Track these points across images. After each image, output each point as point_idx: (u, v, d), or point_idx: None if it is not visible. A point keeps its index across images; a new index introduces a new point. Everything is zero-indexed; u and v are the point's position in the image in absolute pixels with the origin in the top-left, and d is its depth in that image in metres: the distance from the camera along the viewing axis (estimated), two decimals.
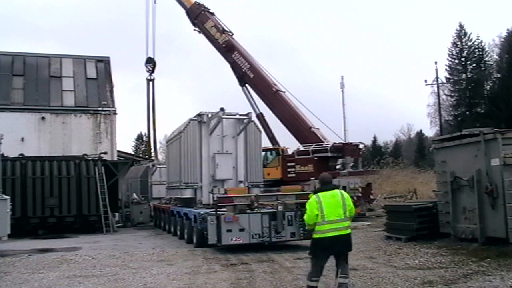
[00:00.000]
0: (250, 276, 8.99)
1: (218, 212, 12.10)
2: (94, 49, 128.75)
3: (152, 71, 31.08)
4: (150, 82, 31.18)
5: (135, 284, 8.62)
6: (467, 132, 11.68)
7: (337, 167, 23.65)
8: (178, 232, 15.94)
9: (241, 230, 11.94)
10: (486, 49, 50.20)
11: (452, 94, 50.87)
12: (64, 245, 14.74)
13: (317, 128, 24.85)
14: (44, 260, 11.54)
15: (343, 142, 24.86)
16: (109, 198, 19.28)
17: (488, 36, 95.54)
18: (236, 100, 32.26)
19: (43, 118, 24.32)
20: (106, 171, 19.71)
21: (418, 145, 63.44)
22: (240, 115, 15.83)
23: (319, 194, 6.98)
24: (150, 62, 30.96)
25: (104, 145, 24.77)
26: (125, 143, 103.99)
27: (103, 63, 27.72)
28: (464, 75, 49.87)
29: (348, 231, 6.95)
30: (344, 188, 17.27)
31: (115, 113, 25.59)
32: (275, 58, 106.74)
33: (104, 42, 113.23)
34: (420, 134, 67.33)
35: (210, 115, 15.46)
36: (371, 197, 23.66)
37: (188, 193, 15.23)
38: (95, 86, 26.48)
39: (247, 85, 26.87)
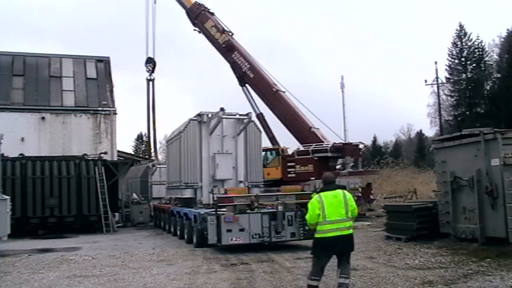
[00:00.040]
0: (250, 276, 8.99)
1: (218, 212, 12.10)
2: (94, 49, 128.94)
3: (152, 71, 31.07)
4: (150, 82, 31.19)
5: (135, 284, 8.62)
6: (467, 132, 11.68)
7: (337, 167, 23.65)
8: (178, 232, 15.93)
9: (241, 230, 11.93)
10: (486, 49, 50.30)
11: (452, 94, 50.88)
12: (64, 245, 14.75)
13: (317, 128, 24.84)
14: (44, 260, 11.54)
15: (343, 142, 24.85)
16: (109, 198, 19.28)
17: (488, 36, 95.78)
18: (236, 100, 32.29)
19: (43, 118, 24.33)
20: (106, 171, 19.71)
21: (418, 145, 63.46)
22: (240, 115, 15.83)
23: (321, 194, 6.99)
24: (150, 62, 30.95)
25: (104, 145, 24.78)
26: (125, 143, 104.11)
27: (103, 63, 27.72)
28: (464, 75, 49.88)
29: (350, 231, 6.94)
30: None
31: (115, 113, 25.59)
32: (275, 58, 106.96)
33: (104, 42, 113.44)
34: (420, 134, 67.38)
35: (210, 115, 15.46)
36: (371, 197, 23.67)
37: (188, 193, 15.23)
38: (95, 86, 26.48)
39: (247, 85, 26.86)
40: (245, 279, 8.69)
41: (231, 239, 11.89)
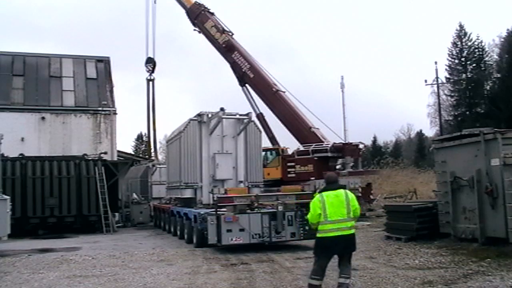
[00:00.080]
0: (250, 276, 8.98)
1: (218, 212, 12.10)
2: (94, 49, 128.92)
3: (152, 71, 31.06)
4: (150, 82, 31.18)
5: (135, 284, 8.62)
6: (467, 132, 11.67)
7: (337, 167, 23.64)
8: (178, 232, 15.93)
9: (241, 230, 11.92)
10: (486, 49, 50.33)
11: (452, 94, 50.89)
12: (64, 245, 14.74)
13: (317, 128, 24.83)
14: (44, 260, 11.54)
15: (343, 142, 24.85)
16: (109, 198, 19.28)
17: (488, 36, 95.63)
18: (236, 100, 32.30)
19: (43, 118, 24.33)
20: (106, 171, 19.71)
21: (418, 145, 63.47)
22: (240, 115, 15.83)
23: (323, 193, 6.99)
24: (150, 62, 30.94)
25: (104, 145, 24.78)
26: (125, 143, 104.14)
27: (103, 63, 27.73)
28: (464, 75, 49.89)
29: (352, 231, 6.94)
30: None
31: (115, 113, 25.60)
32: (275, 58, 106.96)
33: (104, 42, 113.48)
34: (420, 134, 67.40)
35: (210, 115, 15.45)
36: (371, 197, 23.67)
37: (188, 193, 15.23)
38: (95, 86, 26.48)
39: (247, 85, 26.85)
40: (245, 279, 8.69)
41: (231, 239, 11.89)
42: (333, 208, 6.83)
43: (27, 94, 24.93)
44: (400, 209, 14.27)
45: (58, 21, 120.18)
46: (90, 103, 25.45)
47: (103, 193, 19.08)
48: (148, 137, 36.79)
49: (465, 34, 50.33)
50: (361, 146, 24.18)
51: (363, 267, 9.51)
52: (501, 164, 10.27)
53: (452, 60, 50.64)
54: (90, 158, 20.47)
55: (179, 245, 14.26)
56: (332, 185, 7.14)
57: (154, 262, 10.98)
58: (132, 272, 9.68)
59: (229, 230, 11.88)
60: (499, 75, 47.33)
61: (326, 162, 22.87)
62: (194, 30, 28.66)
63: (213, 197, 13.69)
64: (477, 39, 49.74)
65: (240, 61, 26.57)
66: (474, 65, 49.60)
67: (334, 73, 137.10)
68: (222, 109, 15.21)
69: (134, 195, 24.40)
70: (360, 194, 20.54)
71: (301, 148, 23.96)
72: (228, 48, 26.92)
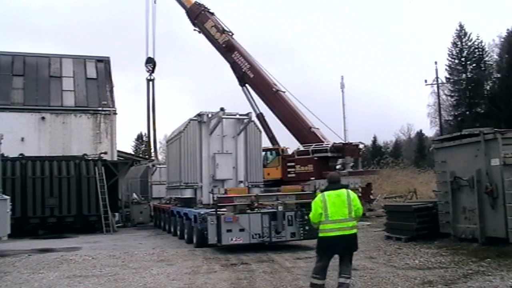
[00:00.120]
0: (250, 276, 8.99)
1: (218, 212, 12.10)
2: (94, 49, 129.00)
3: (152, 71, 31.04)
4: (150, 82, 31.15)
5: (135, 284, 8.62)
6: (467, 132, 11.68)
7: (337, 167, 23.62)
8: (178, 232, 15.93)
9: (241, 230, 11.93)
10: (486, 49, 50.27)
11: (452, 94, 50.88)
12: (64, 245, 14.74)
13: (317, 128, 24.82)
14: (44, 260, 11.54)
15: (343, 142, 24.83)
16: (109, 198, 19.28)
17: (488, 36, 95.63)
18: (236, 100, 32.30)
19: (43, 118, 24.33)
20: (106, 171, 19.71)
21: (418, 145, 63.45)
22: (240, 115, 15.83)
23: (325, 193, 7.02)
24: (150, 62, 30.93)
25: (104, 145, 24.78)
26: (125, 143, 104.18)
27: (103, 63, 27.73)
28: (464, 75, 49.88)
29: (354, 231, 6.95)
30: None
31: (115, 113, 25.60)
32: (275, 58, 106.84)
33: (104, 42, 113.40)
34: (420, 134, 67.38)
35: (210, 115, 15.45)
36: (371, 197, 23.67)
37: (188, 193, 15.23)
38: (95, 86, 26.48)
39: (247, 85, 26.83)
40: (245, 279, 8.70)
41: (231, 239, 11.89)
42: (334, 208, 6.84)
43: (27, 94, 24.93)
44: (400, 209, 14.28)
45: (58, 21, 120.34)
46: (90, 103, 25.45)
47: (103, 193, 19.08)
48: (148, 137, 36.82)
49: (465, 34, 50.33)
50: (361, 146, 24.17)
51: (363, 267, 9.51)
52: (501, 164, 10.27)
53: (452, 60, 50.66)
54: (90, 158, 20.47)
55: (179, 245, 14.26)
56: (334, 184, 7.15)
57: (154, 262, 10.98)
58: (132, 272, 9.68)
59: (229, 230, 11.88)
60: (499, 75, 47.31)
61: (326, 162, 22.86)
62: (194, 30, 28.65)
63: (213, 197, 13.68)
64: (477, 39, 49.80)
65: (240, 61, 26.56)
66: (474, 65, 49.57)
67: (334, 73, 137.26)
68: (222, 109, 15.20)
69: (134, 195, 24.40)
70: (360, 194, 20.53)
71: (301, 148, 23.95)
72: (228, 48, 26.91)
